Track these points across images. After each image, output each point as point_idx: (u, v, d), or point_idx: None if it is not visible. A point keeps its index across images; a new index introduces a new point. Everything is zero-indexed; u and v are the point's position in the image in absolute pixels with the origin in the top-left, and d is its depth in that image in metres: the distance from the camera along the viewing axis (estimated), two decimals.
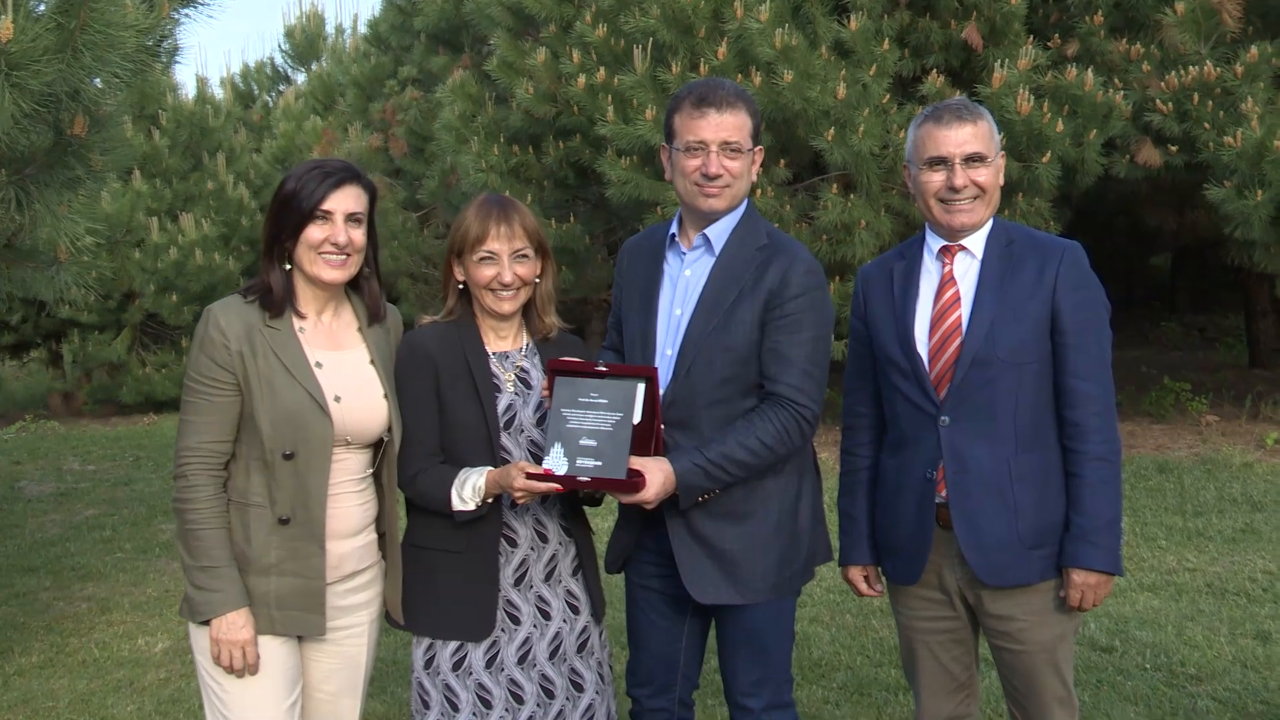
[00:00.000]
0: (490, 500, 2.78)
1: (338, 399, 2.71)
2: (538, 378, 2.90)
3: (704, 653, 3.20)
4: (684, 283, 2.96)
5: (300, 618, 2.73)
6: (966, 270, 2.91)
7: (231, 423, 2.67)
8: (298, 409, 2.67)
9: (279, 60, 20.08)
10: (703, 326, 2.88)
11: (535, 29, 9.63)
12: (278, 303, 2.71)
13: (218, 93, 17.47)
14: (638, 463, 2.74)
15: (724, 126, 2.86)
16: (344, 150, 13.71)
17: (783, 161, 8.64)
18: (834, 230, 8.47)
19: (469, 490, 2.74)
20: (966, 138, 2.85)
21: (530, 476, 2.69)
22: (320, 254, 2.72)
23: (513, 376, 2.88)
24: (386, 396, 2.82)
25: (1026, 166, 8.06)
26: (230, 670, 2.68)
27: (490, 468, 2.77)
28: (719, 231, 2.94)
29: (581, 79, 8.73)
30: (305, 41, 19.15)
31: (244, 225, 14.07)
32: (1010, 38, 8.37)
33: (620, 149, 8.69)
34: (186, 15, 4.20)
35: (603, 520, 7.18)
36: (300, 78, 19.35)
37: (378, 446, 2.86)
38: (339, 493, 2.76)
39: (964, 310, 2.87)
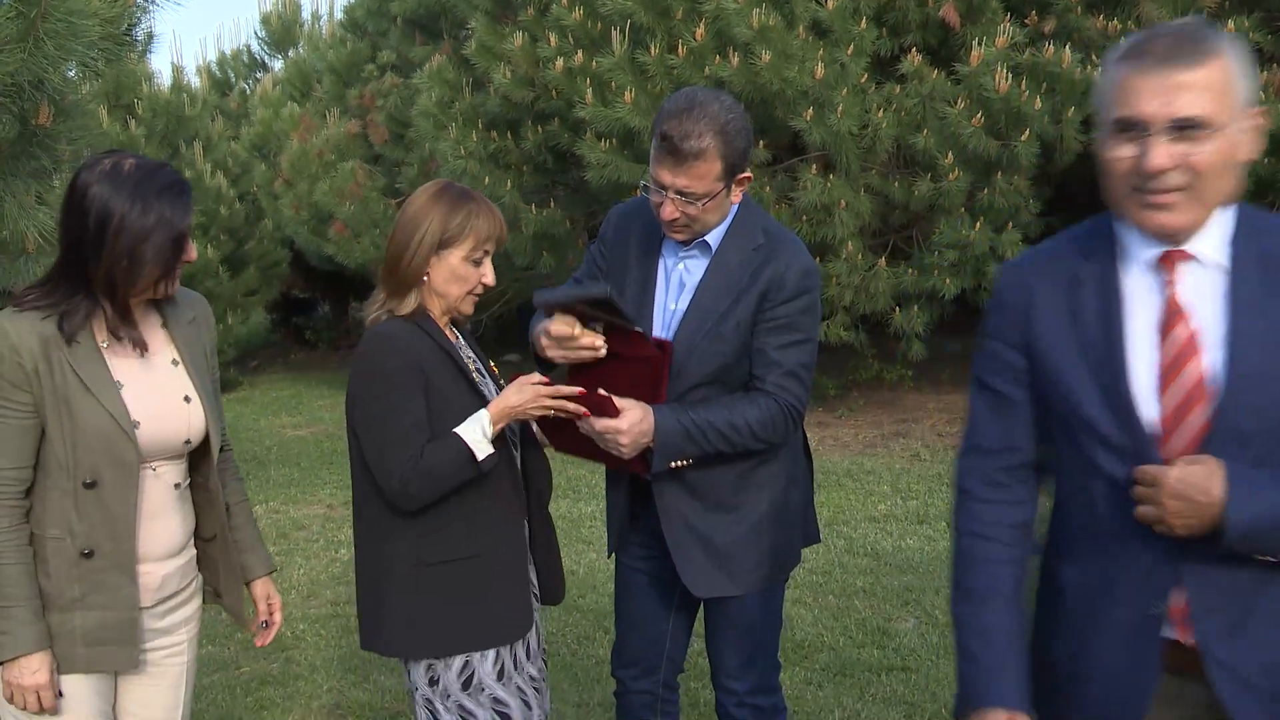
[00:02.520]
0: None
1: (138, 424, 2.48)
2: (478, 361, 2.82)
3: (690, 636, 3.20)
4: (677, 276, 2.92)
5: (114, 652, 2.51)
6: (1202, 290, 1.91)
7: (32, 447, 2.42)
8: (98, 434, 2.43)
9: (255, 47, 19.90)
10: (697, 328, 2.84)
11: (513, 12, 9.57)
12: (80, 330, 2.45)
13: (194, 81, 17.34)
14: (622, 402, 2.68)
15: (682, 175, 2.72)
16: (323, 137, 13.63)
17: (762, 143, 8.62)
18: (814, 211, 8.46)
19: (480, 432, 2.57)
20: (1178, 89, 1.80)
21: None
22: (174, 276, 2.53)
23: (472, 365, 2.78)
24: (189, 399, 2.59)
25: (1006, 145, 8.05)
26: (26, 710, 2.47)
27: (481, 410, 2.62)
28: (716, 232, 2.88)
29: (559, 62, 8.68)
30: (281, 28, 19.00)
31: (223, 214, 13.98)
32: (988, 15, 8.35)
33: (599, 131, 8.65)
34: (154, 3, 4.15)
35: (585, 505, 7.20)
36: (277, 65, 19.21)
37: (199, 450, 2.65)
38: (156, 514, 2.56)
39: (1211, 356, 1.87)
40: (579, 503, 7.37)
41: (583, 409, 2.65)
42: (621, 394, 2.71)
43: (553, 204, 10.07)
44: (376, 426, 2.59)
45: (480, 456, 2.56)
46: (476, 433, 2.57)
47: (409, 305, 2.66)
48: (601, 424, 2.66)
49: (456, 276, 2.66)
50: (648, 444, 2.73)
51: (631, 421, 2.67)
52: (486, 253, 2.68)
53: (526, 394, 2.62)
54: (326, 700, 4.57)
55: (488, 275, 2.69)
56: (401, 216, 2.69)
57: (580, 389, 2.65)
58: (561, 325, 2.75)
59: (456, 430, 2.57)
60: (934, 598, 5.26)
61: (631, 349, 2.76)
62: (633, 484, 2.99)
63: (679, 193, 2.74)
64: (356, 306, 20.75)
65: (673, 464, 2.80)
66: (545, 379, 2.66)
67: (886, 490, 7.31)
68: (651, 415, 2.71)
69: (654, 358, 2.74)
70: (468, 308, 2.72)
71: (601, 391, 2.65)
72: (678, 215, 2.77)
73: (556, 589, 2.89)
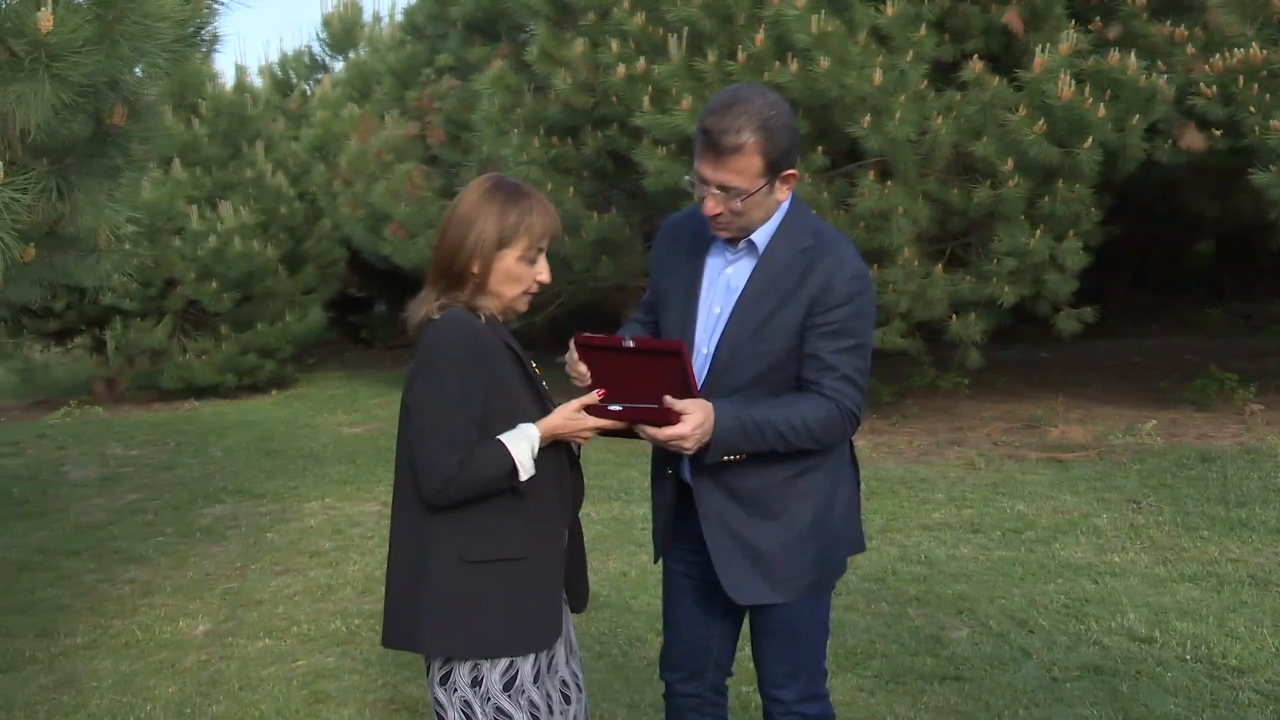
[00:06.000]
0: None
1: None
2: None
3: (737, 640, 3.20)
4: (724, 280, 2.91)
5: None
6: None
7: None
8: None
9: (316, 49, 20.17)
10: (741, 329, 2.83)
11: (574, 18, 9.61)
12: None
13: (256, 81, 17.56)
14: (683, 404, 2.65)
15: (722, 170, 2.71)
16: (381, 138, 13.76)
17: (820, 148, 8.60)
18: (871, 217, 8.42)
19: (530, 451, 2.56)
20: None
21: (590, 411, 2.62)
22: None
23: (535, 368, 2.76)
24: None
25: (1068, 153, 7.97)
26: None
27: (529, 424, 2.60)
28: (763, 234, 2.86)
29: (621, 69, 8.70)
30: (342, 30, 19.22)
31: (282, 213, 14.19)
32: (1051, 22, 8.28)
33: (657, 138, 8.65)
34: (223, 5, 4.21)
35: (637, 507, 7.21)
36: (338, 66, 19.43)
37: None
38: None
39: None
40: (630, 505, 7.38)
41: (621, 425, 2.66)
42: (650, 399, 2.68)
43: (613, 209, 10.09)
44: (432, 415, 2.53)
45: (523, 476, 2.55)
46: (526, 452, 2.55)
47: (475, 306, 2.62)
48: (665, 434, 2.65)
49: (511, 277, 2.62)
50: (708, 439, 2.71)
51: (694, 424, 2.65)
52: (540, 250, 2.64)
53: (578, 423, 2.63)
54: (381, 695, 4.61)
55: (543, 273, 2.66)
56: (453, 214, 2.63)
57: (617, 422, 2.66)
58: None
59: (508, 444, 2.54)
60: (988, 607, 5.22)
61: (643, 363, 2.70)
62: (677, 489, 2.99)
63: (720, 188, 2.73)
64: None
65: (725, 457, 2.79)
66: (596, 403, 2.66)
67: (941, 498, 7.26)
68: (713, 414, 2.69)
69: (670, 363, 2.67)
70: (522, 306, 2.70)
71: (669, 399, 2.63)
72: (720, 210, 2.77)
73: (582, 598, 2.86)
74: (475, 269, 2.60)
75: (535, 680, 2.62)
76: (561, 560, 2.72)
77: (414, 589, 2.60)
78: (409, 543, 2.63)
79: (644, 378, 2.69)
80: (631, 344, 2.67)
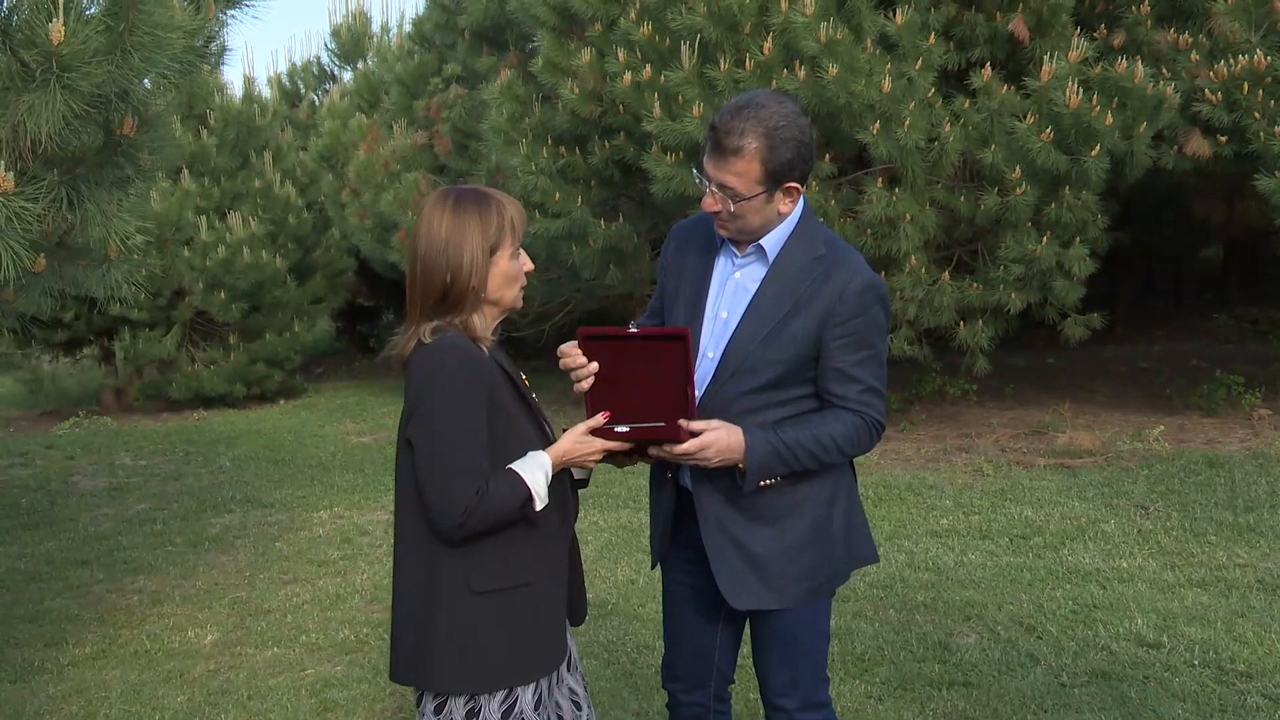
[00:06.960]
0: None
1: None
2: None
3: (739, 647, 3.21)
4: (733, 285, 2.91)
5: None
6: None
7: None
8: None
9: (325, 59, 20.20)
10: (751, 336, 2.83)
11: (580, 28, 9.62)
12: None
13: (265, 92, 17.62)
14: (706, 424, 2.68)
15: (721, 169, 2.74)
16: (389, 147, 13.80)
17: (827, 156, 8.61)
18: (878, 224, 8.42)
19: (544, 479, 2.55)
20: None
21: (596, 433, 2.61)
22: None
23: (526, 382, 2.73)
24: None
25: (1075, 160, 7.98)
26: None
27: (539, 451, 2.59)
28: (774, 240, 2.87)
29: (627, 76, 8.71)
30: (351, 40, 19.26)
31: (291, 223, 14.23)
32: (1057, 29, 8.28)
33: (666, 145, 8.66)
34: (233, 16, 4.25)
35: (645, 515, 7.20)
36: (346, 76, 19.48)
37: None
38: None
39: None
40: (638, 513, 7.39)
41: (628, 446, 2.66)
42: (651, 389, 2.67)
43: (621, 218, 10.11)
44: (442, 449, 2.48)
45: (539, 506, 2.53)
46: (540, 480, 2.53)
47: (473, 326, 2.59)
48: (683, 448, 2.67)
49: (508, 277, 2.62)
50: (735, 460, 2.74)
51: (716, 440, 2.68)
52: (520, 242, 2.66)
53: (587, 447, 2.63)
54: (389, 704, 4.62)
55: (528, 263, 2.70)
56: (430, 242, 2.56)
57: (625, 445, 2.66)
58: (569, 359, 2.73)
59: (521, 473, 2.51)
60: (996, 613, 5.22)
61: (648, 350, 2.70)
62: (676, 494, 3.00)
63: (719, 186, 2.77)
64: None
65: (761, 482, 2.81)
66: (601, 425, 2.65)
67: (949, 505, 7.25)
68: (739, 433, 2.72)
69: (674, 348, 2.66)
70: (519, 302, 2.69)
71: (683, 422, 2.65)
72: (718, 208, 2.80)
73: (581, 610, 2.83)
74: (475, 283, 2.57)
75: (536, 707, 2.59)
76: (564, 581, 2.71)
77: (422, 625, 2.55)
78: (417, 578, 2.57)
79: (647, 365, 2.68)
80: (635, 329, 2.70)
